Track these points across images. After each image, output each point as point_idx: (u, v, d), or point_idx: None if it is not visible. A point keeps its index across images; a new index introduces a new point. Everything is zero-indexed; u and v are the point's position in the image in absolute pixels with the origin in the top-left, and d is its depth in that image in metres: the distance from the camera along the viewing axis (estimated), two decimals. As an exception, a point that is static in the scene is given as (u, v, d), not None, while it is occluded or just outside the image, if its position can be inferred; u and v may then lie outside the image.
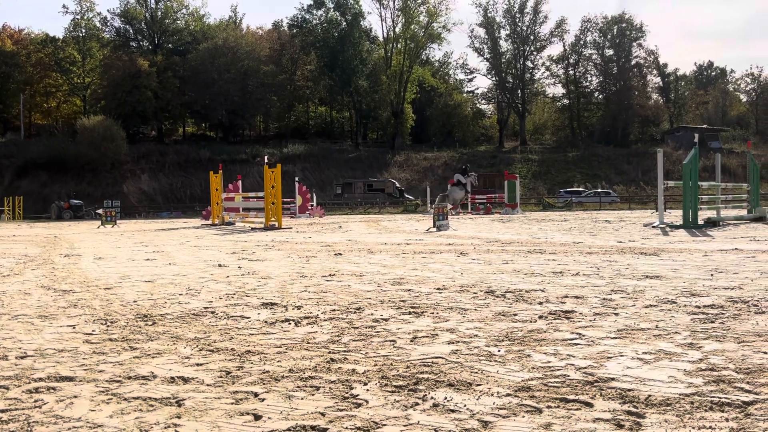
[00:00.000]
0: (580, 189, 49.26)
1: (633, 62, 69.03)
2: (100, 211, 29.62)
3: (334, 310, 3.87)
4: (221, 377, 2.46)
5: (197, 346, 3.00)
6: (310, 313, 3.81)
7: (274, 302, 4.23)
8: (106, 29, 62.18)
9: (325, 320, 3.57)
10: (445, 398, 2.13)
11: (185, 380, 2.43)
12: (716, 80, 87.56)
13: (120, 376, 2.50)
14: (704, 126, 64.75)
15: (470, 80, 78.91)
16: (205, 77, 56.07)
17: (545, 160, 60.16)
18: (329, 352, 2.81)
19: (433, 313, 3.71)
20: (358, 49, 63.23)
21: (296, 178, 30.04)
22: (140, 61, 55.02)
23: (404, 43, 65.19)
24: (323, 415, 2.00)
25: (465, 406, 2.05)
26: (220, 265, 6.90)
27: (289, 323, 3.51)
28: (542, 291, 4.49)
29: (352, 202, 45.92)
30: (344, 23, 63.81)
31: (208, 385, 2.36)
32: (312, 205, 29.77)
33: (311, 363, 2.63)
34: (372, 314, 3.72)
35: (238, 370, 2.55)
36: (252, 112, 62.23)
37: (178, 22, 63.95)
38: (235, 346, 2.97)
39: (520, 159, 60.76)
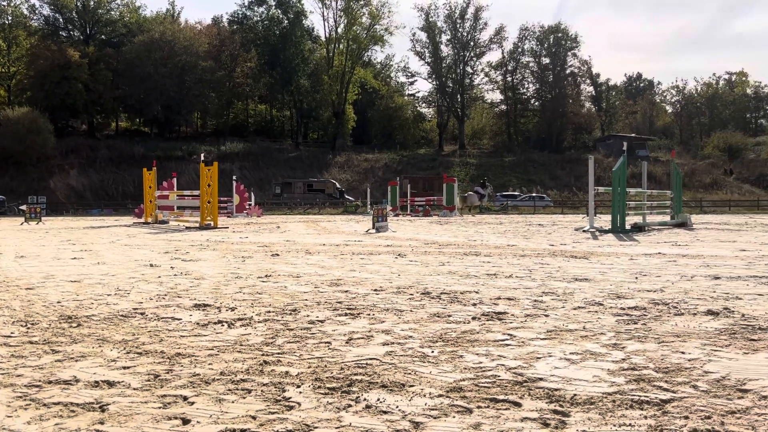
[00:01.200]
0: (516, 193, 50.48)
1: (568, 71, 71.32)
2: (23, 207, 28.24)
3: (269, 312, 3.82)
4: (149, 381, 2.38)
5: (125, 348, 2.91)
6: (245, 314, 3.75)
7: (207, 303, 4.14)
8: (34, 17, 59.51)
9: (259, 322, 3.52)
10: (378, 399, 2.14)
11: (110, 384, 2.34)
12: (644, 91, 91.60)
13: (40, 381, 2.39)
14: (633, 135, 67.60)
15: (411, 83, 79.50)
16: (140, 71, 54.34)
17: (483, 164, 61.35)
18: (262, 354, 2.77)
19: (369, 315, 3.72)
20: (299, 47, 62.77)
21: (234, 177, 29.51)
22: (70, 51, 52.82)
23: (346, 43, 65.20)
24: (254, 418, 1.97)
25: (397, 407, 2.06)
26: (151, 265, 6.70)
27: (222, 325, 3.45)
28: (476, 293, 4.57)
29: (291, 203, 45.51)
30: (286, 21, 63.23)
31: (134, 389, 2.28)
32: (250, 205, 29.32)
33: (243, 365, 2.59)
34: (308, 316, 3.69)
35: (167, 373, 2.48)
36: (189, 108, 60.77)
37: (112, 12, 61.80)
38: (164, 349, 2.89)
39: (459, 163, 61.77)
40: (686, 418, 1.93)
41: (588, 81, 76.01)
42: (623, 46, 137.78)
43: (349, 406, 2.08)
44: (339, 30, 65.53)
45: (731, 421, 1.90)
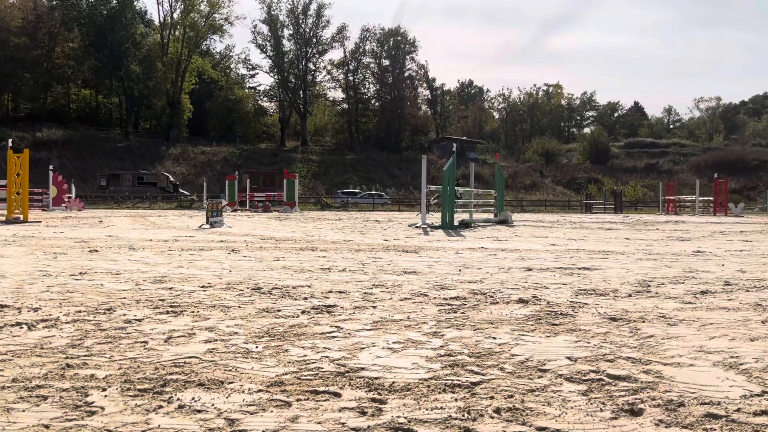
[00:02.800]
0: (356, 190, 51.50)
1: (406, 74, 74.15)
2: None
3: (79, 312, 3.50)
4: None
5: None
6: (50, 315, 3.39)
7: (5, 304, 3.69)
8: None
9: (66, 323, 3.20)
10: (193, 399, 2.03)
11: None
12: (475, 97, 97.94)
13: None
14: (464, 138, 71.98)
15: (252, 76, 77.91)
16: (-64, 43, 47.54)
17: (325, 161, 61.81)
18: (66, 358, 2.52)
19: (193, 312, 3.55)
20: (130, 31, 58.71)
21: (51, 167, 26.85)
22: None
23: (183, 30, 62.15)
24: (47, 427, 1.77)
25: (213, 405, 1.97)
26: (-59, 263, 5.86)
27: (21, 327, 3.09)
28: (309, 287, 4.56)
29: (118, 196, 42.42)
30: (115, 1, 58.77)
31: None
32: (69, 197, 26.87)
33: (41, 370, 2.33)
34: (124, 315, 3.44)
35: (-56, 383, 2.16)
36: (-2, 89, 54.32)
37: None
38: (-56, 357, 2.51)
39: (301, 159, 61.67)
40: (492, 398, 2.05)
41: (425, 85, 79.68)
42: (457, 54, 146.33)
43: (160, 407, 1.95)
44: (175, 15, 62.29)
45: (530, 399, 2.05)
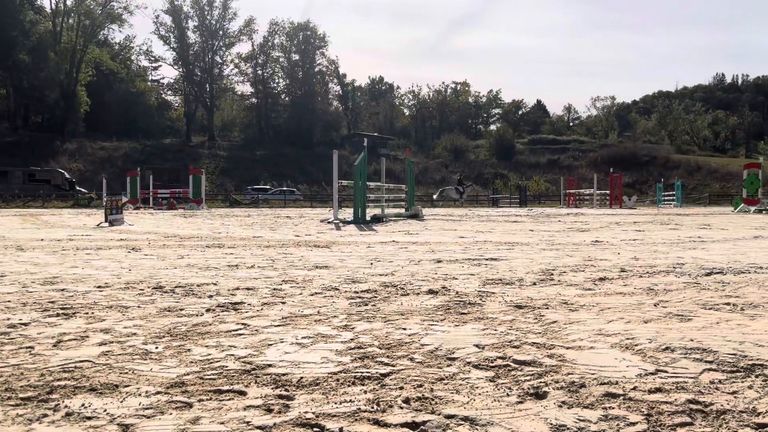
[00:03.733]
0: (267, 187, 50.65)
1: (317, 69, 73.69)
2: None
3: (-45, 317, 3.18)
4: None
5: None
6: None
7: None
8: None
9: (-60, 330, 2.91)
10: (83, 405, 1.88)
11: None
12: (386, 94, 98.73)
13: None
14: (375, 134, 72.41)
15: (155, 69, 74.57)
16: None
17: (233, 157, 60.35)
18: (-63, 368, 2.28)
19: (87, 314, 3.32)
20: (18, 17, 54.76)
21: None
22: None
23: (77, 18, 58.68)
24: None
25: (105, 410, 1.83)
26: None
27: None
28: (214, 284, 4.39)
29: (7, 194, 39.55)
30: (0, -15, 54.67)
31: None
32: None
33: None
34: (8, 319, 3.16)
35: None
36: None
37: None
38: None
39: (208, 154, 59.90)
40: (401, 388, 2.03)
41: (335, 80, 79.49)
42: (367, 50, 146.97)
43: (45, 416, 1.79)
44: (68, 2, 58.70)
45: (440, 387, 2.05)
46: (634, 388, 2.01)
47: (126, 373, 2.23)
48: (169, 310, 3.43)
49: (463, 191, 36.53)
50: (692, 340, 2.66)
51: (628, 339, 2.70)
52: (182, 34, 65.94)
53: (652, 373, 2.18)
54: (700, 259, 6.08)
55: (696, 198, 50.52)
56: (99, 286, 4.28)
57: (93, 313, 3.35)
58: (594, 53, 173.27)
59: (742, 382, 2.08)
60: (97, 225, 12.89)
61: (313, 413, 1.81)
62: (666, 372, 2.19)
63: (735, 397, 1.93)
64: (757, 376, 2.14)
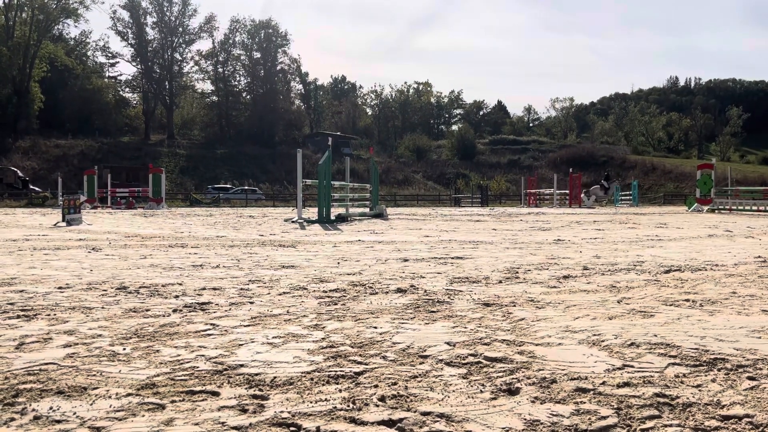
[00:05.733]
0: (228, 186, 50.01)
1: (278, 68, 73.03)
2: None
3: None
4: None
5: None
6: None
7: None
8: None
9: None
10: (51, 408, 1.83)
11: None
12: (348, 93, 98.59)
13: None
14: (338, 133, 72.22)
15: (113, 65, 72.75)
16: None
17: (194, 156, 59.40)
18: None
19: (49, 315, 3.23)
20: (-33, 10, 52.84)
21: None
22: None
23: (30, 12, 56.90)
24: None
25: (75, 413, 1.79)
26: None
27: None
28: (180, 284, 4.33)
29: (-44, 193, 38.14)
30: (-52, -24, 52.65)
31: None
32: None
33: None
34: (-35, 321, 3.06)
35: None
36: None
37: None
38: None
39: (168, 153, 58.81)
40: (376, 386, 2.04)
41: (297, 79, 78.95)
42: (329, 49, 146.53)
43: (12, 419, 1.74)
44: (21, -5, 56.88)
45: (413, 385, 2.07)
46: (604, 383, 2.06)
47: (94, 375, 2.18)
48: (134, 311, 3.36)
49: (608, 187, 36.17)
50: (656, 336, 2.74)
51: (594, 335, 2.77)
52: (140, 30, 64.56)
53: (619, 368, 2.24)
54: (659, 257, 6.26)
55: (652, 197, 51.93)
56: (60, 287, 4.17)
57: (55, 314, 3.26)
58: (552, 55, 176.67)
59: (706, 375, 2.15)
60: (54, 225, 12.54)
61: (289, 413, 1.81)
62: (633, 367, 2.26)
63: (699, 390, 1.99)
64: (719, 370, 2.21)
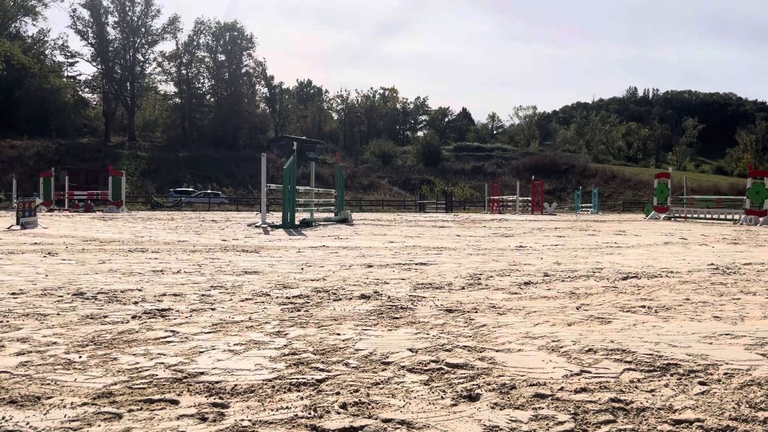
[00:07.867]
0: (190, 189, 49.25)
1: (243, 70, 72.31)
2: None
3: None
4: None
5: None
6: None
7: None
8: None
9: None
10: (4, 418, 1.78)
11: None
12: (314, 97, 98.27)
13: None
14: (303, 137, 71.86)
15: (72, 65, 70.94)
16: None
17: (155, 158, 58.35)
18: None
19: (1, 322, 3.14)
20: None
21: None
22: None
23: (-13, 9, 55.23)
24: None
25: (28, 423, 1.75)
26: None
27: None
28: (139, 290, 4.25)
29: None
30: None
31: None
32: None
33: None
34: None
35: None
36: None
37: None
38: None
39: (128, 155, 57.64)
40: (338, 393, 2.04)
41: (263, 82, 78.30)
42: (295, 53, 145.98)
43: (-40, 432, 1.69)
44: (-23, -9, 55.17)
45: (375, 392, 2.07)
46: (561, 389, 2.10)
47: (48, 384, 2.13)
48: (91, 318, 3.29)
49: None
50: (612, 342, 2.81)
51: (553, 341, 2.82)
52: (101, 30, 63.18)
53: (577, 374, 2.28)
54: (617, 263, 6.40)
55: (611, 205, 53.05)
56: (13, 293, 4.05)
57: (8, 321, 3.17)
58: (516, 64, 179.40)
59: (659, 380, 2.21)
60: (8, 228, 12.17)
61: (250, 421, 1.79)
62: (590, 372, 2.31)
63: (653, 395, 2.05)
64: (672, 375, 2.28)
